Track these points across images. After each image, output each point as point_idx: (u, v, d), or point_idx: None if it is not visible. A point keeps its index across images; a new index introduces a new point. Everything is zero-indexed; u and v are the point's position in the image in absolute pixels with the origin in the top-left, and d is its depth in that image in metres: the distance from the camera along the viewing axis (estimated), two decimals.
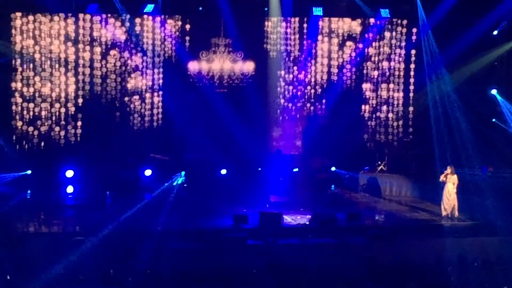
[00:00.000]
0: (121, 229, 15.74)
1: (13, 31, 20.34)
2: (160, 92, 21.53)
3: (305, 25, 21.58)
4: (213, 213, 17.80)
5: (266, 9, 21.40)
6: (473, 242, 15.49)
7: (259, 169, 20.85)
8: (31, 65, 20.76)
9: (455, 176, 17.56)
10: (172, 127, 21.32)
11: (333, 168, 21.31)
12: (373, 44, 21.98)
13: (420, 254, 14.34)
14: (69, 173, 19.69)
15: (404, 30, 21.63)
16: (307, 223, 16.88)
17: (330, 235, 16.09)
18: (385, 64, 22.02)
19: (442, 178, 17.62)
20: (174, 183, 19.53)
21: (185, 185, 20.36)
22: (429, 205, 18.74)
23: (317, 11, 21.16)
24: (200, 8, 21.38)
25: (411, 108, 21.82)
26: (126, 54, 21.36)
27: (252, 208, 17.78)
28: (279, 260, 13.61)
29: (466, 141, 20.18)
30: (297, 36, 21.78)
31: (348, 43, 21.79)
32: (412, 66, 21.71)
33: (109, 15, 20.95)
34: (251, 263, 13.41)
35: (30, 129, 20.46)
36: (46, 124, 20.83)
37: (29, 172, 19.33)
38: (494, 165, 20.98)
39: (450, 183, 17.56)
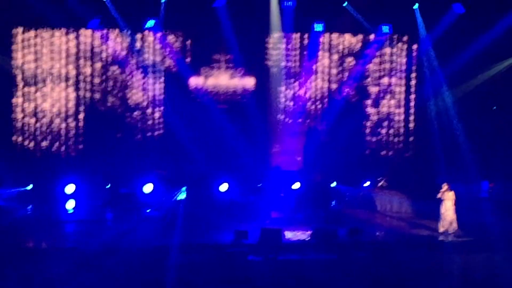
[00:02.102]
0: (122, 244, 15.77)
1: (14, 46, 20.25)
2: (161, 108, 21.44)
3: (306, 41, 21.66)
4: (213, 228, 17.82)
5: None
6: (470, 258, 15.67)
7: (259, 185, 20.33)
8: (32, 80, 20.49)
9: (452, 192, 17.84)
10: (173, 142, 21.21)
11: (333, 184, 21.10)
12: (374, 60, 21.77)
13: (418, 269, 14.48)
14: (70, 188, 19.30)
15: (405, 46, 21.77)
16: (308, 238, 16.95)
17: (331, 251, 16.12)
18: (385, 80, 22.12)
19: (439, 195, 17.59)
20: (177, 198, 19.26)
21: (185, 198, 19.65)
22: (428, 222, 18.78)
23: (318, 27, 21.18)
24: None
25: (411, 124, 21.68)
26: (127, 69, 21.04)
27: (252, 223, 17.79)
28: (280, 276, 13.89)
29: (466, 157, 20.36)
30: (297, 52, 21.84)
31: (349, 59, 21.82)
32: (413, 82, 21.65)
33: (110, 30, 20.73)
34: (252, 279, 13.58)
35: (31, 144, 20.34)
36: (47, 139, 20.53)
37: (30, 187, 19.24)
38: (495, 181, 20.68)
39: (447, 199, 17.78)
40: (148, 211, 19.28)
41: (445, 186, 17.96)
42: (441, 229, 17.82)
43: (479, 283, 13.73)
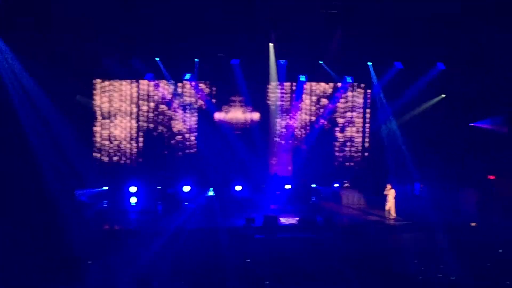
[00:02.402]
0: (168, 227, 15.89)
1: (95, 91, 20.53)
2: (195, 133, 21.33)
3: (294, 88, 21.57)
4: (231, 216, 17.91)
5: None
6: (405, 235, 16.13)
7: (262, 186, 20.70)
8: (107, 115, 20.80)
9: (393, 190, 18.14)
10: (203, 157, 20.98)
11: (313, 185, 21.00)
12: (341, 100, 21.77)
13: (370, 242, 14.99)
14: (133, 188, 19.49)
15: (362, 90, 21.83)
16: (296, 223, 17.13)
17: (312, 231, 16.32)
18: (349, 114, 21.95)
19: (385, 192, 18.13)
20: (208, 194, 19.54)
21: (213, 195, 19.89)
22: (377, 211, 18.76)
23: (302, 78, 21.24)
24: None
25: (366, 144, 22.02)
26: (171, 107, 21.18)
27: (258, 213, 17.80)
28: (277, 248, 14.30)
29: (404, 166, 20.56)
30: (288, 95, 21.70)
31: (323, 99, 21.72)
32: (368, 115, 21.88)
33: (160, 80, 20.75)
34: (258, 251, 13.98)
35: (106, 159, 20.78)
36: (117, 155, 21.00)
37: (106, 188, 19.45)
38: (424, 183, 20.51)
39: (390, 195, 18.10)
40: (186, 204, 19.07)
41: (388, 186, 18.28)
42: (386, 215, 18.04)
43: (411, 251, 13.82)
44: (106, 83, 20.63)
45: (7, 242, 12.21)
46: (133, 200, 19.56)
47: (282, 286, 11.41)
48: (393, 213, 18.18)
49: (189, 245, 14.17)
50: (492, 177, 19.01)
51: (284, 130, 21.87)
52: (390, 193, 18.24)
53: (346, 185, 21.34)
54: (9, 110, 14.71)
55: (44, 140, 15.38)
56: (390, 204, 18.21)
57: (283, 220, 17.54)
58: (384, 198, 18.39)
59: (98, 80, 20.49)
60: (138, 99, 20.94)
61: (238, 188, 20.52)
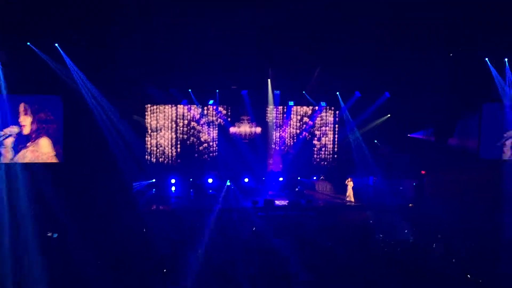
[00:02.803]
0: (199, 207, 16.42)
1: (146, 112, 20.24)
2: (216, 142, 21.09)
3: (285, 110, 21.38)
4: (242, 199, 17.96)
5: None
6: (361, 213, 16.22)
7: (263, 178, 20.64)
8: (155, 129, 20.58)
9: (351, 181, 18.32)
10: (222, 159, 20.72)
11: (299, 178, 20.93)
12: (317, 118, 21.64)
13: (337, 218, 15.48)
14: (173, 180, 19.40)
15: (332, 112, 21.63)
16: (286, 204, 17.32)
17: (298, 211, 16.56)
18: (323, 128, 21.80)
19: (346, 182, 18.45)
20: (226, 184, 19.40)
21: (232, 187, 19.41)
22: (342, 196, 18.80)
23: (291, 103, 21.08)
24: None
25: (336, 149, 21.85)
26: (200, 124, 20.96)
27: (260, 197, 18.00)
28: (274, 223, 14.67)
29: (362, 164, 20.06)
30: (281, 115, 21.50)
31: (305, 118, 21.57)
32: (337, 129, 21.76)
33: (191, 105, 20.50)
34: (260, 224, 14.27)
35: (154, 160, 20.49)
36: (162, 157, 20.72)
37: (154, 180, 19.25)
38: (377, 176, 19.95)
39: (349, 185, 18.31)
40: (210, 191, 18.95)
41: (349, 178, 18.43)
42: (347, 199, 18.26)
43: (362, 224, 14.39)
44: (154, 107, 20.38)
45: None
46: (173, 188, 19.30)
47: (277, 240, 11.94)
48: (351, 198, 18.18)
49: (215, 219, 14.49)
50: (423, 172, 18.69)
51: (278, 139, 21.60)
52: (350, 184, 18.32)
53: (321, 178, 21.15)
54: (96, 127, 14.76)
55: (115, 147, 15.61)
56: (349, 191, 18.24)
57: (277, 202, 17.54)
58: (345, 187, 18.48)
59: (148, 105, 20.23)
60: (176, 118, 20.70)
61: (246, 180, 20.28)
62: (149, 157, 20.44)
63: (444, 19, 14.14)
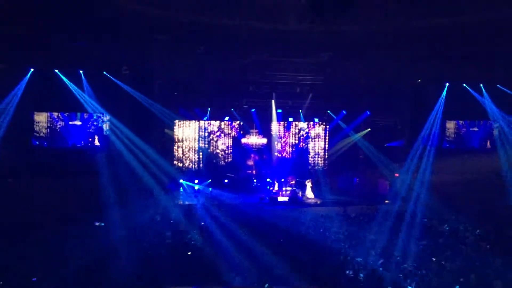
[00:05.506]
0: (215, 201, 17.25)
1: (174, 127, 21.36)
2: (230, 150, 22.03)
3: (285, 125, 22.36)
4: (250, 196, 18.82)
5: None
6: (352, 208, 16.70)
7: (268, 180, 20.71)
8: (181, 140, 21.63)
9: (310, 182, 19.07)
10: (234, 164, 21.86)
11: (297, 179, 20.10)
12: (311, 131, 22.46)
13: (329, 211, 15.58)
14: (196, 181, 19.71)
15: (323, 126, 22.59)
16: (287, 200, 18.30)
17: (296, 205, 17.44)
18: (316, 139, 22.65)
19: (306, 182, 18.94)
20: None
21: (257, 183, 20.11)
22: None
23: (290, 119, 22.23)
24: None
25: (326, 156, 22.59)
26: (217, 135, 21.99)
27: (266, 194, 18.84)
28: (277, 215, 15.14)
29: (350, 168, 21.25)
30: (282, 128, 22.53)
31: (302, 131, 22.51)
32: (327, 140, 22.57)
33: (211, 121, 21.82)
34: (266, 216, 14.79)
35: (180, 165, 21.47)
36: (188, 163, 21.81)
37: (181, 181, 19.33)
38: (359, 177, 20.90)
39: (308, 185, 18.93)
40: (255, 182, 20.04)
41: (309, 180, 19.23)
42: (307, 196, 18.50)
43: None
44: (181, 122, 21.48)
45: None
46: (196, 187, 19.51)
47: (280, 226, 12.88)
48: (311, 195, 19.06)
49: (230, 211, 15.20)
50: (397, 175, 19.45)
51: (280, 149, 22.26)
52: (308, 184, 19.02)
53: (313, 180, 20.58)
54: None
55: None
56: (308, 190, 18.98)
57: (280, 198, 18.54)
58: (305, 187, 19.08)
59: (177, 121, 21.30)
60: (199, 130, 21.63)
61: (255, 181, 21.16)
62: (177, 162, 21.37)
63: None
